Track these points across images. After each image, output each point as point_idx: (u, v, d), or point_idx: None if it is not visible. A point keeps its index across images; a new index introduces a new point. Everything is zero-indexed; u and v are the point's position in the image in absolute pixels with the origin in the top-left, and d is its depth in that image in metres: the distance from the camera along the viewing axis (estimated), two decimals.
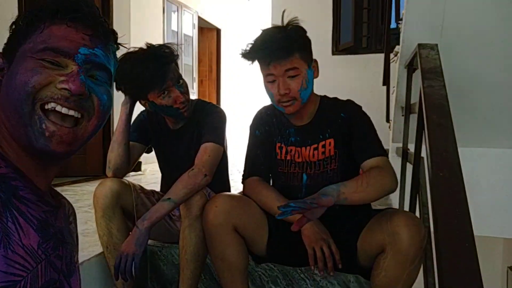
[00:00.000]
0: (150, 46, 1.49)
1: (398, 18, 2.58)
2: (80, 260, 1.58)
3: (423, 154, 1.59)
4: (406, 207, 2.06)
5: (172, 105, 1.52)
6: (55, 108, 0.64)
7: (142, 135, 1.70)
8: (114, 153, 1.57)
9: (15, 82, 0.63)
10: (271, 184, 1.54)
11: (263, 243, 1.44)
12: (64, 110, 0.64)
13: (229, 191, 1.76)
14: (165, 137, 1.70)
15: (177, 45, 1.59)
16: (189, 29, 6.34)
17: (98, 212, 1.52)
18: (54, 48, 0.64)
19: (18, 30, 0.66)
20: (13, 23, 0.67)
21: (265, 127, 1.52)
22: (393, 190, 1.29)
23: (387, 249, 1.18)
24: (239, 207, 1.38)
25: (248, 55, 1.35)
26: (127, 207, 1.59)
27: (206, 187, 1.51)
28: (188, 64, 6.28)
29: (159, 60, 1.45)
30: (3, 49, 0.68)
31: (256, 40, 1.34)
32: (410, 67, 2.18)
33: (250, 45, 1.35)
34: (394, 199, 2.60)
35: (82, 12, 0.67)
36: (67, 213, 0.77)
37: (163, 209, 1.40)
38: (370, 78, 4.21)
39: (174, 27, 5.89)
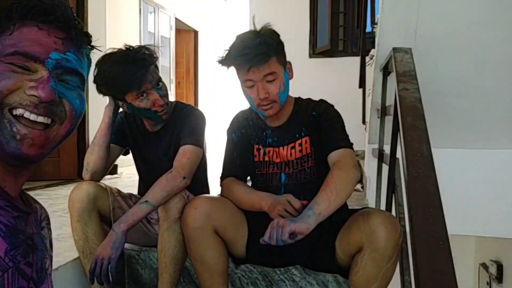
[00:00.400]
0: (129, 48, 1.47)
1: (373, 22, 2.63)
2: (55, 266, 1.56)
3: (399, 155, 1.63)
4: (383, 207, 2.10)
5: (150, 107, 1.50)
6: (23, 114, 0.62)
7: (119, 137, 1.67)
8: (94, 156, 1.54)
9: None
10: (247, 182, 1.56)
11: (243, 245, 1.45)
12: (32, 117, 0.63)
13: (209, 193, 1.75)
14: (143, 139, 1.68)
15: (156, 47, 1.57)
16: (166, 30, 6.29)
17: (73, 216, 1.49)
18: (24, 53, 0.62)
19: None
20: None
21: (241, 130, 1.54)
22: (358, 180, 1.33)
23: (365, 248, 1.20)
24: (219, 209, 1.38)
25: (226, 61, 1.37)
26: (103, 210, 1.56)
27: (185, 190, 1.50)
28: (165, 66, 6.22)
29: (137, 62, 1.44)
30: None
31: (233, 47, 1.35)
32: (385, 70, 2.22)
33: (226, 52, 1.36)
34: (370, 199, 2.65)
35: (54, 14, 0.64)
36: (39, 218, 0.75)
37: (140, 212, 1.38)
38: (346, 81, 4.26)
39: (151, 28, 5.83)
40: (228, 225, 1.39)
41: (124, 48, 1.47)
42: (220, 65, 1.39)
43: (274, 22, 1.41)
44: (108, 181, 3.73)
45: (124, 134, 1.68)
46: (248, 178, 1.59)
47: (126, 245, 1.87)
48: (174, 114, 1.64)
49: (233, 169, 1.51)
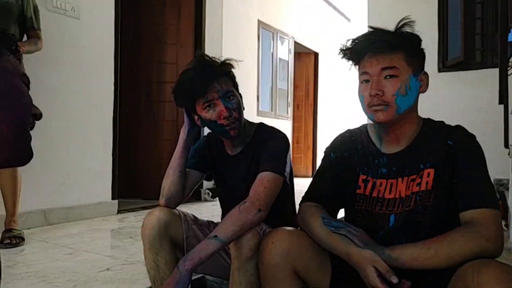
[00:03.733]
0: (202, 57, 1.42)
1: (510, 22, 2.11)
2: None
3: None
4: None
5: (216, 120, 1.39)
6: None
7: (199, 162, 1.58)
8: (169, 180, 1.48)
9: None
10: (336, 216, 1.28)
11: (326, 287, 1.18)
12: None
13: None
14: (223, 163, 1.56)
15: (235, 61, 1.47)
16: (285, 54, 6.32)
17: (145, 244, 1.43)
18: None
19: None
20: None
21: (344, 152, 1.28)
22: (488, 255, 0.97)
23: None
24: (300, 245, 1.16)
25: (346, 49, 1.18)
26: (177, 239, 1.47)
27: (262, 224, 1.31)
28: (283, 89, 6.23)
29: (204, 68, 1.38)
30: None
31: (358, 37, 1.18)
32: None
33: (351, 41, 1.18)
34: None
35: None
36: None
37: (208, 249, 1.23)
38: (484, 97, 3.64)
39: (269, 52, 5.91)
40: (311, 265, 1.16)
41: (198, 57, 1.43)
42: (341, 56, 1.20)
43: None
44: (211, 203, 3.77)
45: (205, 159, 1.59)
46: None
47: (209, 277, 1.78)
48: (255, 137, 1.49)
49: (318, 192, 1.27)
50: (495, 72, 3.22)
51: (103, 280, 1.64)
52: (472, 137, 1.14)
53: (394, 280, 1.00)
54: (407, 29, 1.15)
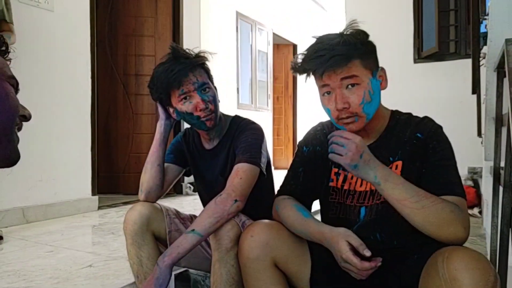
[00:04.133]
0: (175, 49, 1.41)
1: (484, 13, 2.17)
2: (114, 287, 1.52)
3: None
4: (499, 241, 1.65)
5: (192, 112, 1.39)
6: None
7: (178, 157, 1.58)
8: (147, 175, 1.47)
9: None
10: (310, 209, 1.30)
11: (306, 279, 1.21)
12: None
13: None
14: (200, 157, 1.57)
15: (209, 53, 1.47)
16: (264, 45, 6.31)
17: (127, 239, 1.42)
18: None
19: None
20: None
21: (316, 146, 1.30)
22: (458, 242, 1.00)
23: None
24: (280, 237, 1.17)
25: (299, 67, 1.15)
26: (159, 233, 1.47)
27: (240, 215, 1.33)
28: (262, 81, 6.23)
29: (178, 60, 1.37)
30: None
31: (308, 49, 1.14)
32: (500, 70, 1.79)
33: (301, 56, 1.15)
34: (488, 228, 2.17)
35: None
36: None
37: (186, 243, 1.24)
38: (459, 87, 3.74)
39: (248, 44, 5.89)
40: (290, 256, 1.18)
41: (172, 49, 1.42)
42: (295, 73, 1.18)
43: (373, 25, 1.18)
44: (192, 197, 3.78)
45: (182, 154, 1.59)
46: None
47: (192, 270, 1.79)
48: (230, 129, 1.49)
49: (292, 186, 1.28)
50: (468, 63, 3.32)
51: (86, 277, 1.63)
52: (440, 128, 1.16)
53: (367, 253, 1.01)
54: (351, 30, 1.13)
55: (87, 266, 1.76)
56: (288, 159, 7.19)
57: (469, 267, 0.88)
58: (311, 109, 7.69)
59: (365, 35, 1.14)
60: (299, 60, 1.14)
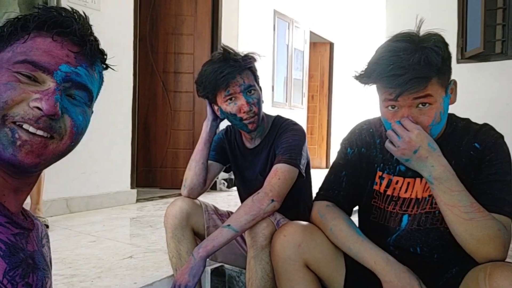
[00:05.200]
0: (226, 50, 1.43)
1: None
2: (151, 280, 1.57)
3: None
4: None
5: (236, 113, 1.42)
6: (22, 125, 0.60)
7: (219, 154, 1.62)
8: (191, 172, 1.52)
9: None
10: (351, 214, 1.28)
11: (339, 284, 1.20)
12: (31, 129, 0.60)
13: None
14: (241, 156, 1.60)
15: (258, 55, 1.48)
16: (300, 44, 6.28)
17: (168, 233, 1.47)
18: (33, 62, 0.61)
19: (1, 35, 0.63)
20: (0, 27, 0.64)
21: (361, 148, 1.23)
22: (493, 259, 0.94)
23: None
24: (312, 240, 1.16)
25: (367, 79, 1.02)
26: (198, 228, 1.51)
27: (276, 214, 1.35)
28: (297, 79, 6.21)
29: (228, 62, 1.39)
30: None
31: (379, 60, 0.99)
32: None
33: (368, 66, 1.01)
34: None
35: (71, 27, 0.64)
36: (40, 235, 0.73)
37: (221, 237, 1.27)
38: (505, 89, 3.57)
39: (284, 42, 5.88)
40: (322, 260, 1.17)
41: (222, 50, 1.44)
42: (358, 82, 1.06)
43: (415, 24, 1.04)
44: (226, 193, 3.81)
45: (224, 151, 1.63)
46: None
47: (227, 266, 1.82)
48: (272, 129, 1.51)
49: (334, 191, 1.24)
50: None
51: (127, 267, 1.69)
52: (500, 138, 1.08)
53: None
54: (432, 40, 0.99)
55: (128, 257, 1.83)
56: (321, 159, 7.14)
57: None
58: (346, 108, 7.59)
59: (446, 46, 1.01)
60: (367, 70, 1.02)
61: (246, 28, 4.80)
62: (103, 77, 0.74)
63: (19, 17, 0.64)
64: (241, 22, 4.62)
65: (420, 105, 0.98)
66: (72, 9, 0.66)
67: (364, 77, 1.02)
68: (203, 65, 1.46)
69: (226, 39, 4.20)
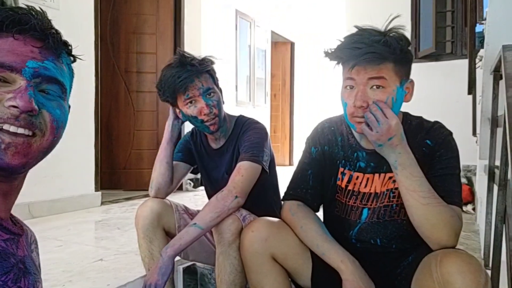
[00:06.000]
0: (183, 54, 1.47)
1: (481, 18, 2.25)
2: (124, 282, 1.58)
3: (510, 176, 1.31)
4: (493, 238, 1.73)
5: (197, 115, 1.46)
6: (2, 127, 0.60)
7: (186, 155, 1.65)
8: (156, 172, 1.55)
9: None
10: (318, 210, 1.36)
11: (307, 276, 1.27)
12: (12, 129, 0.60)
13: (278, 215, 1.62)
14: (207, 156, 1.64)
15: (215, 58, 1.53)
16: (262, 43, 6.35)
17: (139, 234, 1.48)
18: None
19: None
20: None
21: (324, 146, 1.29)
22: (446, 246, 1.03)
23: None
24: (279, 235, 1.23)
25: (332, 53, 1.13)
26: (169, 228, 1.53)
27: (241, 209, 1.40)
28: (260, 78, 6.28)
29: (185, 66, 1.43)
30: None
31: (347, 37, 1.11)
32: (496, 73, 1.86)
33: (338, 43, 1.12)
34: (482, 225, 2.25)
35: (29, 23, 0.63)
36: (29, 240, 0.73)
37: (187, 236, 1.31)
38: (455, 87, 3.80)
39: (247, 41, 5.93)
40: (289, 253, 1.23)
41: (179, 55, 1.47)
42: (327, 57, 1.15)
43: (372, 24, 1.15)
44: (192, 193, 3.83)
45: (190, 153, 1.66)
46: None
47: (199, 264, 1.86)
48: (235, 129, 1.56)
49: (302, 190, 1.30)
50: (464, 63, 3.39)
51: (98, 270, 1.69)
52: (450, 135, 1.17)
53: None
54: (394, 32, 1.10)
55: (98, 260, 1.82)
56: (284, 156, 7.27)
57: (461, 270, 0.92)
58: (308, 107, 7.77)
59: (407, 42, 1.12)
60: (335, 47, 1.12)
61: (209, 28, 4.81)
62: (72, 69, 0.74)
63: None
64: (204, 21, 4.63)
65: (374, 87, 1.08)
66: (28, 6, 0.66)
67: (331, 52, 1.13)
68: (162, 70, 1.50)
69: (189, 38, 4.20)
